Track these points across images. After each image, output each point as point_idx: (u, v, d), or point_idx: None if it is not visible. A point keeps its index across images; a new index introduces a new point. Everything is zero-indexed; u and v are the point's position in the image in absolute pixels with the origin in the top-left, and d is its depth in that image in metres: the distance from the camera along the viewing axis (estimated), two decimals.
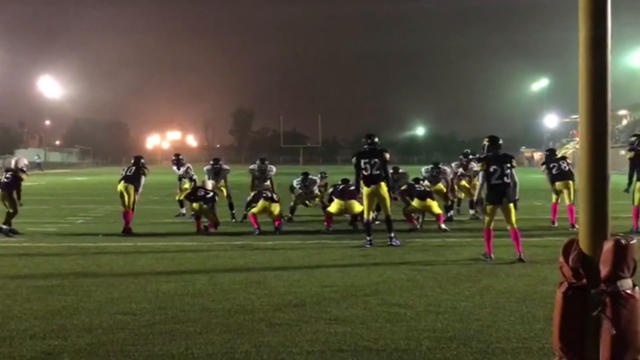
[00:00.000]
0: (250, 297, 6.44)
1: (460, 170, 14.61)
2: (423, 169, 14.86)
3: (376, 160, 10.07)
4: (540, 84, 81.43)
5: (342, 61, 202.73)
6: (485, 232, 8.84)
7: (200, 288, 6.93)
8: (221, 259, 8.96)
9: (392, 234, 10.17)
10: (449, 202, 14.19)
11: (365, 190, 10.14)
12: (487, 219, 8.81)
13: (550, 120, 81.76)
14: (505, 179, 8.69)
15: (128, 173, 12.45)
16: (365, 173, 10.09)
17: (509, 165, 8.75)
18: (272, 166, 14.80)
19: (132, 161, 12.76)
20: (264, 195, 12.46)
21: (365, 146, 10.29)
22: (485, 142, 9.06)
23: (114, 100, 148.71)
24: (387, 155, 10.24)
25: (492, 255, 8.71)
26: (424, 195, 12.43)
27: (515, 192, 8.80)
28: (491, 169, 8.75)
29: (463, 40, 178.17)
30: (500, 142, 9.01)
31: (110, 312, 5.85)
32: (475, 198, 9.86)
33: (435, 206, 12.47)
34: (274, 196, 12.46)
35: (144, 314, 5.78)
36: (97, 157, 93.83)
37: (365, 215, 10.38)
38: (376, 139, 10.38)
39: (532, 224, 13.27)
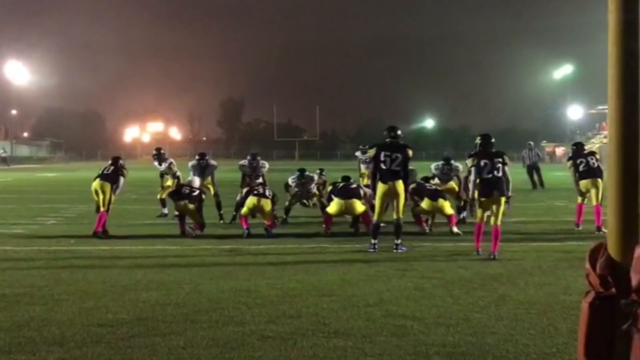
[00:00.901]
0: (240, 308, 6.44)
1: None
2: (433, 165, 14.87)
3: (398, 155, 10.13)
4: (563, 71, 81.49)
5: (344, 46, 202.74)
6: (476, 226, 9.77)
7: (185, 297, 6.92)
8: (208, 265, 8.96)
9: (399, 240, 10.16)
10: (462, 203, 14.19)
11: (380, 187, 10.14)
12: (478, 213, 9.79)
13: (574, 112, 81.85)
14: (496, 172, 9.65)
15: (105, 172, 12.45)
16: (383, 167, 10.12)
17: (500, 160, 9.72)
18: (264, 162, 14.79)
19: (110, 162, 12.75)
20: (254, 191, 12.45)
21: (388, 139, 10.33)
22: (478, 141, 10.05)
23: (89, 89, 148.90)
24: (410, 152, 10.31)
25: (480, 251, 9.61)
26: (434, 195, 12.42)
27: (507, 188, 9.71)
28: (482, 163, 9.74)
29: (477, 24, 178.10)
30: (493, 140, 10.02)
31: (83, 324, 5.85)
32: (470, 196, 10.39)
33: (447, 207, 12.47)
34: (266, 192, 12.44)
35: (122, 326, 5.77)
36: (69, 151, 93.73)
37: (375, 216, 10.37)
38: (399, 132, 10.46)
39: (554, 227, 13.30)
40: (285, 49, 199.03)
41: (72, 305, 6.56)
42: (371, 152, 10.41)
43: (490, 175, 9.64)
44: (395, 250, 10.04)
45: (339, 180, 13.07)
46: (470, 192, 9.93)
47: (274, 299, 6.81)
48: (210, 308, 6.43)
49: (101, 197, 12.14)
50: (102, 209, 12.09)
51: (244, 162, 14.69)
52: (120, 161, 12.81)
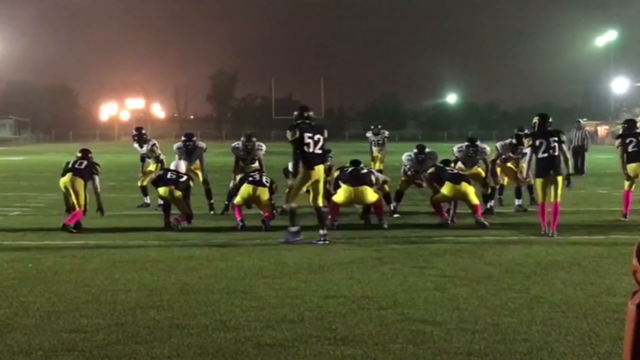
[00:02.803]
0: (233, 311, 6.46)
1: (509, 154, 14.54)
2: (455, 147, 14.81)
3: (320, 136, 10.81)
4: (606, 38, 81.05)
5: (352, 9, 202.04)
6: (540, 207, 11.13)
7: (169, 299, 6.94)
8: (196, 262, 8.98)
9: (325, 231, 10.54)
10: (489, 190, 14.17)
11: (306, 172, 10.65)
12: (539, 193, 11.17)
13: (620, 85, 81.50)
14: (551, 151, 10.99)
15: (77, 166, 12.26)
16: (309, 151, 10.65)
17: (555, 138, 11.07)
18: (260, 143, 14.77)
19: (80, 155, 12.54)
20: (250, 178, 12.43)
21: (307, 120, 10.95)
22: (536, 120, 11.42)
23: (59, 60, 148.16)
24: (326, 133, 11.16)
25: (546, 229, 10.83)
26: (457, 178, 12.38)
27: (567, 166, 11.24)
28: (537, 143, 11.11)
29: None
30: (550, 120, 11.42)
31: (53, 330, 5.87)
32: (524, 175, 12.27)
33: (472, 194, 12.41)
34: (263, 179, 12.44)
35: (97, 332, 5.79)
36: (37, 130, 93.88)
37: (291, 202, 10.80)
38: (311, 113, 11.20)
39: (596, 218, 13.28)
40: (284, 12, 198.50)
41: (40, 309, 6.57)
42: (290, 135, 10.78)
43: (545, 155, 11.00)
44: (317, 242, 10.30)
45: (347, 164, 13.04)
46: (525, 173, 11.79)
47: (272, 301, 6.82)
48: (198, 311, 6.44)
49: (73, 197, 11.87)
50: (78, 209, 11.86)
51: (238, 144, 14.67)
52: (90, 154, 12.58)
